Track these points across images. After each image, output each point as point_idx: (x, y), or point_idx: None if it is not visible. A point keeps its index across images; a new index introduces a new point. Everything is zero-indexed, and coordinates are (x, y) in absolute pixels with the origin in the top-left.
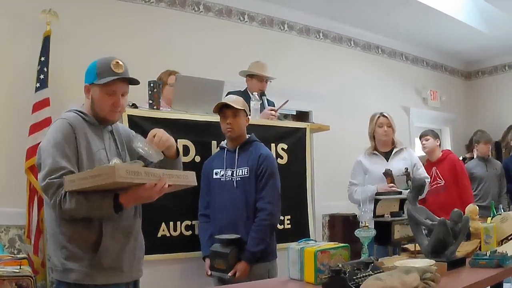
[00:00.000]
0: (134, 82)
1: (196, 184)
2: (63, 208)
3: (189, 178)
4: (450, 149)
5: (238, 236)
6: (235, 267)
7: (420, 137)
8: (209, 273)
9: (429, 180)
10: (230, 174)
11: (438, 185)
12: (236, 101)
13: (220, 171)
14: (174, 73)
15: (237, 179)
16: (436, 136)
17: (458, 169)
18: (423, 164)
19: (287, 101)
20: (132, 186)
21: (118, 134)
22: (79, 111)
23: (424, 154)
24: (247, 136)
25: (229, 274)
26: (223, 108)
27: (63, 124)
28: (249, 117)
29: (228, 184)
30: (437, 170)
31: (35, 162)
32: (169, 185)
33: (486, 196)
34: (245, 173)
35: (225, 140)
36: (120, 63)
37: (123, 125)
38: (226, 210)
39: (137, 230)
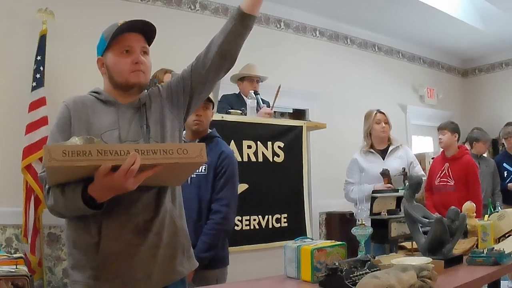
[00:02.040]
0: (149, 30)
1: (205, 160)
2: (48, 205)
3: (191, 153)
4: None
5: None
6: None
7: (438, 129)
8: None
9: (425, 177)
10: None
11: (448, 184)
12: None
13: None
14: (169, 72)
15: (192, 176)
16: (454, 130)
17: (470, 173)
18: (436, 156)
19: (280, 86)
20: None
21: (150, 105)
22: (94, 91)
23: (421, 151)
24: (209, 130)
25: None
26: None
27: (60, 109)
28: (245, 115)
29: None
30: (449, 168)
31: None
32: (153, 166)
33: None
34: (203, 170)
35: (184, 131)
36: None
37: (155, 87)
38: None
39: (161, 223)
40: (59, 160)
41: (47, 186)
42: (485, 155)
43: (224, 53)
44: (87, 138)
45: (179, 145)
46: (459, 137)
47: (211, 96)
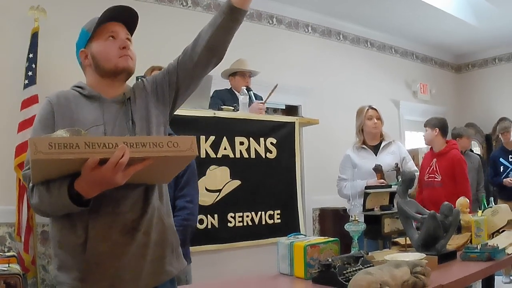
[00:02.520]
0: (132, 19)
1: (196, 153)
2: (32, 203)
3: (182, 146)
4: None
5: None
6: None
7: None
8: None
9: (418, 172)
10: None
11: (435, 180)
12: None
13: None
14: (158, 69)
15: None
16: (434, 125)
17: (456, 168)
18: (427, 152)
19: (276, 85)
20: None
21: (134, 99)
22: (77, 86)
23: (415, 147)
24: None
25: None
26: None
27: (43, 105)
28: (237, 111)
29: None
30: (436, 164)
31: None
32: (143, 160)
33: None
34: None
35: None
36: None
37: (139, 82)
38: None
39: (149, 222)
40: (45, 153)
41: (31, 184)
42: (477, 151)
43: (212, 48)
44: (74, 130)
45: (169, 138)
46: (442, 132)
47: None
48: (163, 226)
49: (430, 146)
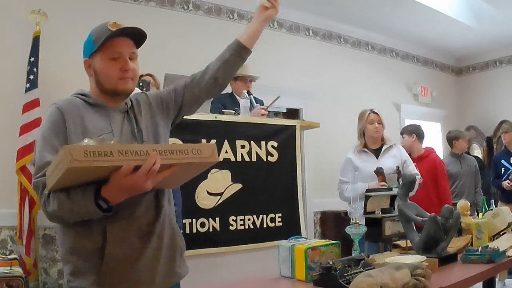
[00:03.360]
0: (139, 35)
1: (218, 159)
2: (48, 211)
3: (204, 153)
4: (441, 144)
5: None
6: None
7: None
8: None
9: (419, 176)
10: None
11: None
12: None
13: None
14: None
15: None
16: (411, 132)
17: (438, 170)
18: None
19: (278, 97)
20: (113, 172)
21: (139, 111)
22: (80, 93)
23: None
24: None
25: None
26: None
27: (51, 111)
28: (238, 115)
29: None
30: (417, 167)
31: (32, 161)
32: (170, 166)
33: (462, 193)
34: None
35: None
36: (119, 22)
37: (142, 94)
38: None
39: (161, 226)
40: (81, 161)
41: (46, 192)
42: (478, 154)
43: (217, 79)
44: (100, 139)
45: (193, 145)
46: (419, 137)
47: None
48: (173, 230)
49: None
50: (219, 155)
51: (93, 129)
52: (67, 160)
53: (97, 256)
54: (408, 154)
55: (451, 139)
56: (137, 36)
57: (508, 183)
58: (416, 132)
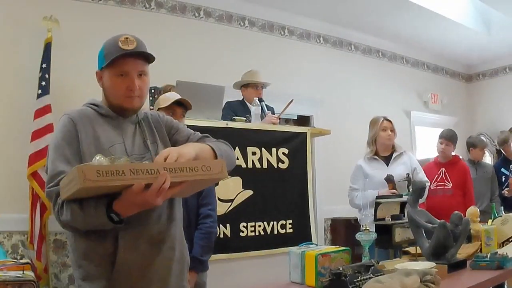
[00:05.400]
0: (148, 57)
1: (227, 176)
2: (61, 220)
3: (214, 170)
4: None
5: None
6: None
7: (440, 137)
8: None
9: (429, 183)
10: None
11: (445, 187)
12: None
13: None
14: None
15: None
16: (455, 142)
17: (468, 177)
18: (428, 163)
19: (292, 100)
20: (125, 189)
21: (149, 124)
22: (92, 104)
23: (427, 157)
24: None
25: None
26: (172, 105)
27: (63, 121)
28: (249, 122)
29: None
30: (446, 173)
31: (45, 169)
32: (180, 183)
33: (477, 200)
34: None
35: None
36: (131, 38)
37: (154, 112)
38: None
39: (173, 237)
40: (93, 181)
41: (59, 201)
42: (488, 161)
43: None
44: (112, 159)
45: (203, 162)
46: (455, 144)
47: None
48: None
49: (435, 157)
50: None
51: (105, 139)
52: (80, 180)
53: (109, 262)
54: (434, 158)
55: (468, 145)
56: (147, 54)
57: (507, 191)
58: (455, 140)
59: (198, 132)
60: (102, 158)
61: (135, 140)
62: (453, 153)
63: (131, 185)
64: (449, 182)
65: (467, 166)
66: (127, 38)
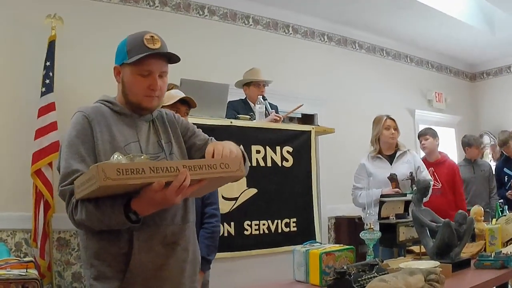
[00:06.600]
0: (174, 59)
1: (244, 173)
2: (76, 219)
3: (232, 167)
4: (455, 150)
5: None
6: None
7: (419, 136)
8: None
9: (433, 181)
10: None
11: (435, 187)
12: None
13: None
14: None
15: None
16: (435, 135)
17: (457, 175)
18: None
19: (302, 105)
20: (144, 187)
21: (163, 123)
22: (106, 100)
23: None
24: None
25: None
26: (176, 103)
27: (77, 118)
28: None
29: None
30: (434, 172)
31: (56, 166)
32: (199, 181)
33: (475, 199)
34: None
35: None
36: (156, 37)
37: (169, 111)
38: None
39: (187, 239)
40: (114, 179)
41: (74, 200)
42: (489, 159)
43: None
44: (130, 157)
45: (221, 160)
46: (439, 143)
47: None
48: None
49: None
50: None
51: (120, 137)
52: (100, 178)
53: (122, 262)
54: (423, 158)
55: (464, 145)
56: (171, 55)
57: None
58: (438, 137)
59: (213, 137)
60: (121, 157)
61: (149, 139)
62: (440, 151)
63: (150, 183)
64: (438, 182)
65: (456, 165)
66: (152, 36)
